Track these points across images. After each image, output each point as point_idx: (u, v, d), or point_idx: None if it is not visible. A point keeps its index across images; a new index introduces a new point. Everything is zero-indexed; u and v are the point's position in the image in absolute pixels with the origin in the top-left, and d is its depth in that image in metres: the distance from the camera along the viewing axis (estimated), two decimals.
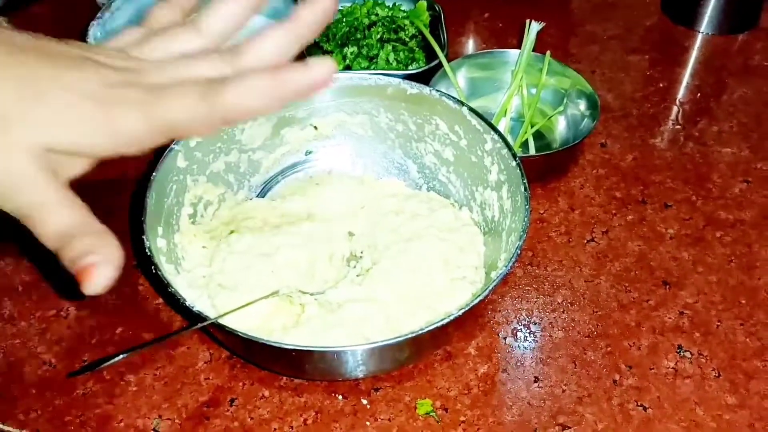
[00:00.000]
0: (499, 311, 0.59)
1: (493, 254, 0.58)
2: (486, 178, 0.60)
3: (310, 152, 0.68)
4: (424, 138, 0.65)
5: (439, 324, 0.46)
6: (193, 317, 0.48)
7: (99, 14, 0.73)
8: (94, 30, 0.71)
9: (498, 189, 0.59)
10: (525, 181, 0.54)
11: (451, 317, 0.46)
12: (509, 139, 0.72)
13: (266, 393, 0.54)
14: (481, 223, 0.61)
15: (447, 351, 0.56)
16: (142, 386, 0.54)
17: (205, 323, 0.47)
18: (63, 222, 0.34)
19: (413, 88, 0.62)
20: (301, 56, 0.55)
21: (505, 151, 0.57)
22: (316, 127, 0.67)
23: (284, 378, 0.54)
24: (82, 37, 0.70)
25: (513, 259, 0.49)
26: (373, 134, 0.67)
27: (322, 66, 0.35)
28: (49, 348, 0.57)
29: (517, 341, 0.57)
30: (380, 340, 0.46)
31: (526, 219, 0.52)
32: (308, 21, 0.38)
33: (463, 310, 0.47)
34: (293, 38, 0.38)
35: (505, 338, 0.57)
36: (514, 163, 0.56)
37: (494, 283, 0.48)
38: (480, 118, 0.59)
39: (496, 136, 0.58)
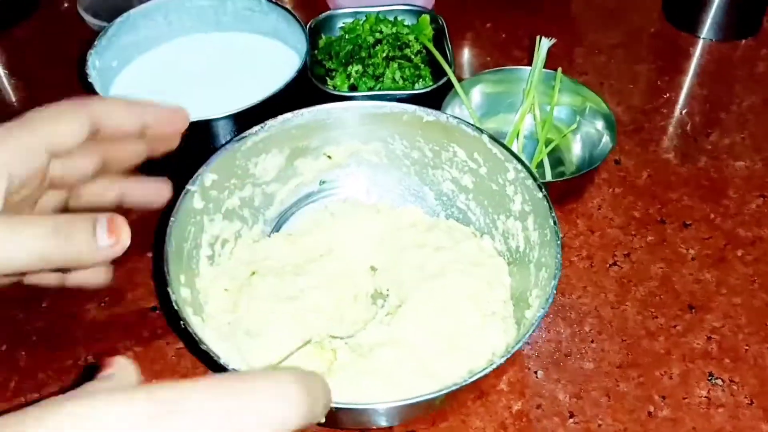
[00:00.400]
0: (528, 343, 0.58)
1: (520, 285, 0.57)
2: (509, 207, 0.59)
3: (324, 182, 0.67)
4: (441, 165, 0.64)
5: (482, 374, 0.45)
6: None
7: (95, 42, 0.70)
8: (93, 59, 0.69)
9: (523, 219, 0.58)
10: (553, 214, 0.53)
11: (494, 365, 0.45)
12: (523, 159, 0.72)
13: None
14: (505, 253, 0.60)
15: (479, 388, 0.55)
16: None
17: None
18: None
19: (429, 116, 0.61)
20: (306, 77, 0.60)
21: (530, 181, 0.56)
22: (330, 157, 0.65)
23: (314, 425, 0.53)
24: (80, 67, 0.67)
25: (550, 300, 0.48)
26: (389, 162, 0.66)
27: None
28: None
29: (548, 375, 0.57)
30: (421, 395, 0.44)
31: (558, 256, 0.51)
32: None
33: (505, 357, 0.46)
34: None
35: (536, 372, 0.57)
36: (540, 195, 0.55)
37: (534, 326, 0.47)
38: (502, 147, 0.58)
39: (519, 166, 0.57)
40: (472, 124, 0.60)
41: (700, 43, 0.89)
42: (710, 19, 0.89)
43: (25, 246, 0.39)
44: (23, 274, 0.47)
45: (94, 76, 0.67)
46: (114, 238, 0.42)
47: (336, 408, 0.44)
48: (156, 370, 0.57)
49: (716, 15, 0.88)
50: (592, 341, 0.59)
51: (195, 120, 0.62)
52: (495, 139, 0.58)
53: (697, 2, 0.89)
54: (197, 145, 0.63)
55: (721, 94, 0.81)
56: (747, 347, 0.58)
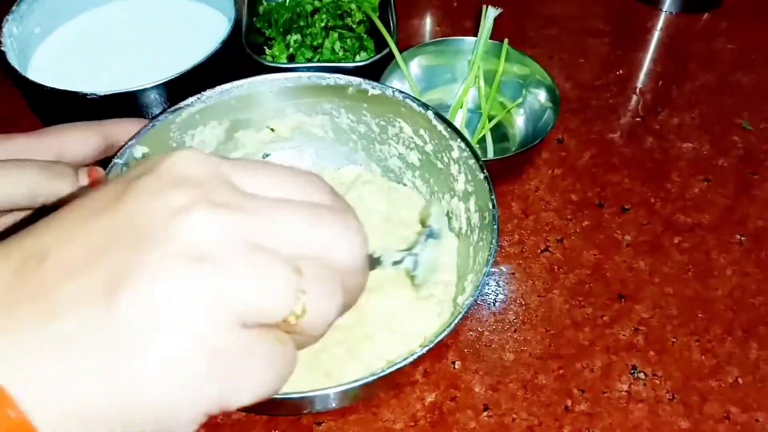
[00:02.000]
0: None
1: (462, 266, 0.56)
2: (453, 186, 0.57)
3: (267, 155, 0.64)
4: (387, 140, 0.61)
5: (400, 365, 0.43)
6: None
7: (13, 7, 0.66)
8: (9, 26, 0.65)
9: (465, 200, 0.55)
10: (493, 197, 0.51)
11: (414, 357, 0.43)
12: (467, 133, 0.69)
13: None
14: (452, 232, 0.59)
15: (393, 380, 0.54)
16: None
17: None
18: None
19: (375, 89, 0.58)
20: (240, 47, 0.57)
21: (472, 161, 0.53)
22: (273, 129, 0.62)
23: (220, 416, 0.52)
24: None
25: (480, 288, 0.46)
26: (335, 136, 0.63)
27: None
28: None
29: (466, 365, 0.55)
30: (329, 387, 0.43)
31: (494, 242, 0.48)
32: None
33: (426, 348, 0.43)
34: None
35: (453, 363, 0.55)
36: (482, 176, 0.52)
37: (461, 316, 0.45)
38: (447, 124, 0.55)
39: (463, 144, 0.54)
40: (417, 100, 0.57)
41: (662, 16, 0.85)
42: None
43: (18, 182, 0.44)
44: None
45: (8, 45, 0.64)
46: (92, 180, 0.48)
47: None
48: None
49: None
50: (515, 331, 0.57)
51: (120, 91, 0.59)
52: (440, 115, 0.56)
53: None
54: (124, 117, 0.60)
55: (676, 71, 0.78)
56: (674, 339, 0.56)
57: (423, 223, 0.57)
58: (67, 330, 0.23)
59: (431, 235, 0.48)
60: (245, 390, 0.25)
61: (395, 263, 0.46)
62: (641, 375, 0.54)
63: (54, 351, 0.23)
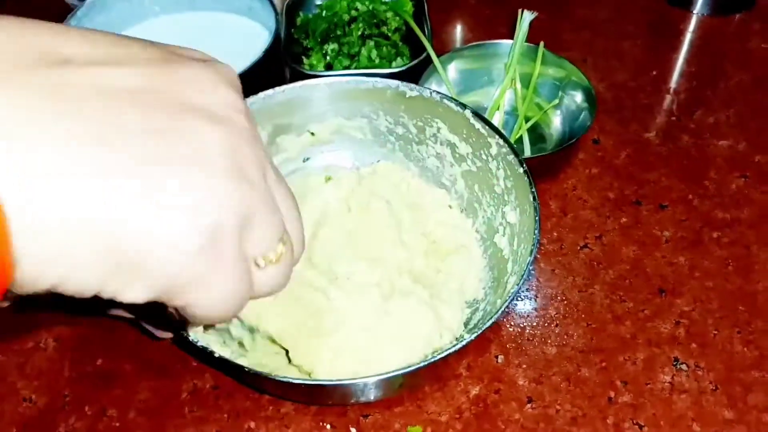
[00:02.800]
0: (491, 327, 0.57)
1: (496, 268, 0.57)
2: (492, 183, 0.58)
3: (307, 159, 0.66)
4: (425, 141, 0.63)
5: (447, 353, 0.44)
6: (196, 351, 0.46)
7: (63, 22, 0.70)
8: None
9: (507, 194, 0.57)
10: (534, 189, 0.52)
11: (461, 344, 0.44)
12: (504, 134, 0.71)
13: (252, 425, 0.52)
14: (483, 235, 0.60)
15: (437, 373, 0.55)
16: (124, 422, 0.53)
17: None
18: None
19: (413, 91, 0.60)
20: (280, 57, 0.58)
21: (511, 156, 0.55)
22: (313, 133, 0.65)
23: (270, 408, 0.53)
24: None
25: (524, 278, 0.47)
26: (373, 138, 0.65)
27: None
28: (29, 383, 0.55)
29: (509, 359, 0.56)
30: (378, 374, 0.44)
31: (536, 232, 0.50)
32: None
33: (475, 335, 0.45)
34: None
35: (496, 357, 0.56)
36: (521, 170, 0.54)
37: (506, 303, 0.46)
38: (484, 122, 0.57)
39: (501, 141, 0.56)
40: (455, 99, 0.59)
41: (693, 18, 0.86)
42: None
43: None
44: None
45: None
46: None
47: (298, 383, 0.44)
48: (114, 352, 0.57)
49: None
50: (557, 325, 0.57)
51: None
52: (478, 114, 0.57)
53: None
54: None
55: (710, 71, 0.79)
56: (716, 332, 0.57)
57: None
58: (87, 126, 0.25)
59: None
60: (205, 294, 0.29)
61: None
62: (683, 367, 0.55)
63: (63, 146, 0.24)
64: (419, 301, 0.55)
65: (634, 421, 0.52)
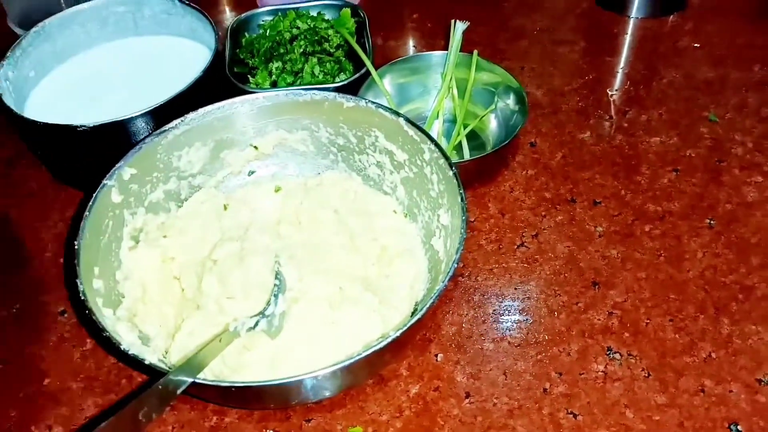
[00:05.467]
0: (431, 327, 0.59)
1: (432, 264, 0.59)
2: (428, 188, 0.60)
3: (252, 172, 0.68)
4: (365, 150, 0.65)
5: (380, 345, 0.46)
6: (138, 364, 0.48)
7: (8, 53, 0.71)
8: (4, 71, 0.70)
9: (440, 197, 0.59)
10: (461, 191, 0.54)
11: (392, 337, 0.46)
12: (444, 142, 0.73)
13: None
14: (421, 235, 0.62)
15: (379, 374, 0.56)
16: None
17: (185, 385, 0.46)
18: None
19: (349, 102, 0.62)
20: (223, 76, 0.60)
21: (442, 161, 0.57)
22: (256, 147, 0.66)
23: (214, 418, 0.54)
24: None
25: (447, 278, 0.49)
26: (315, 149, 0.67)
27: None
28: None
29: (448, 357, 0.57)
30: (307, 373, 0.46)
31: (462, 230, 0.52)
32: None
33: (392, 337, 0.46)
34: None
35: (436, 356, 0.57)
36: (450, 173, 0.56)
37: (432, 301, 0.48)
38: (417, 129, 0.59)
39: (433, 146, 0.58)
40: (389, 108, 0.61)
41: (630, 22, 0.89)
42: None
43: None
44: None
45: (4, 88, 0.68)
46: None
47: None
48: (61, 371, 0.58)
49: None
50: (494, 322, 0.59)
51: (108, 121, 0.63)
52: (411, 121, 0.59)
53: None
54: (116, 146, 0.64)
55: (643, 72, 0.81)
56: (648, 320, 0.58)
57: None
58: None
59: (279, 291, 0.55)
60: None
61: (250, 329, 0.52)
62: (617, 356, 0.56)
63: None
64: (368, 308, 0.56)
65: (569, 411, 0.53)
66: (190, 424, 0.54)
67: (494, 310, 0.60)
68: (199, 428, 0.54)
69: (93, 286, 0.52)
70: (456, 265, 0.50)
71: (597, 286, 0.61)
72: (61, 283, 0.64)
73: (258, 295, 0.57)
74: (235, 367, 0.52)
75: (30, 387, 0.57)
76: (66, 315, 0.61)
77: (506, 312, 0.60)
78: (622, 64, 0.83)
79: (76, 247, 0.52)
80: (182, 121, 0.60)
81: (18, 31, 0.87)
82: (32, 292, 0.63)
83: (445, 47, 0.85)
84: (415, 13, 0.93)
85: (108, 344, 0.57)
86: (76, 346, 0.59)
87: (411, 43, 0.89)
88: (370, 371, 0.55)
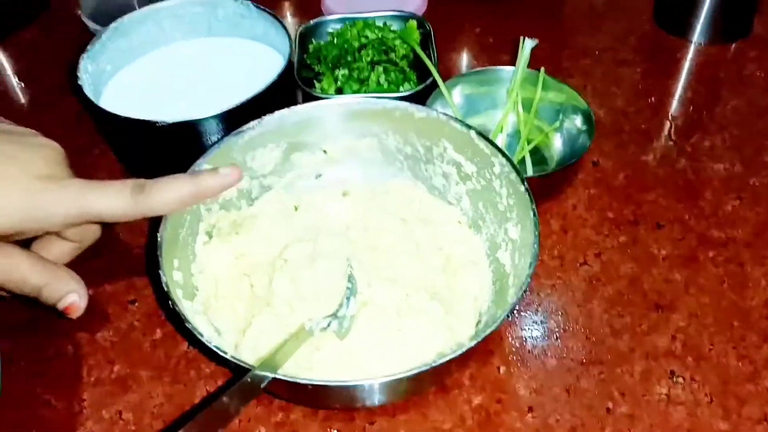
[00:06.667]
0: (492, 339, 0.60)
1: (498, 281, 0.60)
2: (495, 201, 0.61)
3: (320, 175, 0.69)
4: (432, 160, 0.66)
5: (450, 357, 0.46)
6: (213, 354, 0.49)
7: (88, 46, 0.73)
8: (85, 63, 0.72)
9: (509, 212, 0.59)
10: (534, 206, 0.55)
11: (464, 349, 0.47)
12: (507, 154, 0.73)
13: (262, 430, 0.54)
14: (487, 250, 0.63)
15: (443, 383, 0.57)
16: (140, 426, 0.55)
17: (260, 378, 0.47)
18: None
19: (421, 112, 0.63)
20: (293, 81, 0.64)
21: (513, 175, 0.57)
22: (325, 151, 0.67)
23: (280, 414, 0.55)
24: (73, 71, 0.70)
25: (523, 291, 0.50)
26: (383, 157, 0.68)
27: (229, 173, 0.56)
28: (49, 388, 0.58)
29: (510, 370, 0.58)
30: (380, 376, 0.47)
31: (535, 246, 0.52)
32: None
33: (466, 347, 0.47)
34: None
35: (498, 368, 0.58)
36: (522, 189, 0.56)
37: (506, 313, 0.49)
38: (488, 142, 0.60)
39: (504, 160, 0.58)
40: (460, 120, 0.62)
41: (691, 47, 0.89)
42: (701, 22, 0.89)
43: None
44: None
45: (84, 80, 0.70)
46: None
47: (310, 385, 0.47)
48: (130, 359, 0.59)
49: (707, 18, 0.88)
50: (557, 338, 0.60)
51: (183, 120, 0.65)
52: (481, 134, 0.60)
53: (687, 6, 0.89)
54: (186, 145, 0.66)
55: (707, 97, 0.82)
56: (711, 346, 0.59)
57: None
58: None
59: (351, 294, 0.56)
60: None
61: (323, 329, 0.54)
62: (680, 380, 0.57)
63: None
64: (435, 317, 0.57)
65: None
66: (257, 419, 0.55)
67: (557, 327, 0.60)
68: (266, 423, 0.55)
69: (173, 277, 0.54)
70: (530, 281, 0.50)
71: (660, 310, 0.61)
72: (131, 273, 0.65)
73: (327, 297, 0.58)
74: (306, 365, 0.53)
75: (101, 372, 0.58)
76: (136, 304, 0.63)
77: (569, 329, 0.60)
78: (684, 89, 0.83)
79: (159, 239, 0.53)
80: (259, 122, 0.62)
81: (90, 24, 0.89)
82: (103, 281, 0.65)
83: (506, 61, 0.86)
84: (477, 27, 0.94)
85: (185, 335, 0.59)
86: (146, 335, 0.61)
87: (472, 56, 0.90)
88: (435, 380, 0.55)
